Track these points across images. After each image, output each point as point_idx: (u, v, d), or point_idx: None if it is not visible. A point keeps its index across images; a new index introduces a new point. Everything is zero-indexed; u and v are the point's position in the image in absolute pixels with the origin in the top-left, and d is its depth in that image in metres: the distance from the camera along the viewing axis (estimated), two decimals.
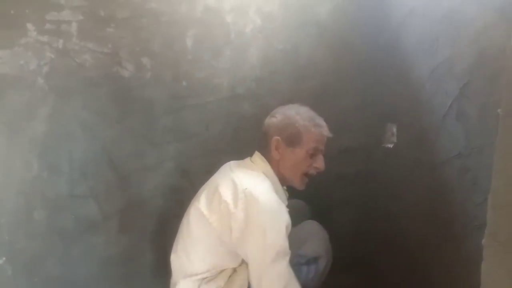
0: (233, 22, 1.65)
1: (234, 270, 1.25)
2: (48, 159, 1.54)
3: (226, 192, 1.20)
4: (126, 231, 1.66)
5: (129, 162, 1.63)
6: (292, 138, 1.31)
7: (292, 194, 1.51)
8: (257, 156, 1.37)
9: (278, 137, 1.32)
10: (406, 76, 1.53)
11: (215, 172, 1.41)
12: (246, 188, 1.18)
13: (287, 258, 1.15)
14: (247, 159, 1.39)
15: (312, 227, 1.33)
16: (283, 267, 1.14)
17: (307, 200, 1.57)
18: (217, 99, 1.68)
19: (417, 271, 1.48)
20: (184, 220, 1.31)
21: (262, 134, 1.38)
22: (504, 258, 0.56)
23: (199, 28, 1.62)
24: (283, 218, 1.18)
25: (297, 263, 1.20)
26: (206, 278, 1.22)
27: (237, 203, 1.17)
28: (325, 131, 1.35)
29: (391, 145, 1.64)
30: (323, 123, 1.36)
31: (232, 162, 1.40)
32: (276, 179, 1.34)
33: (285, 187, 1.49)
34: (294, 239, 1.21)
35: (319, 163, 1.35)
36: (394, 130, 1.61)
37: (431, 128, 1.39)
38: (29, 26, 1.45)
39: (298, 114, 1.33)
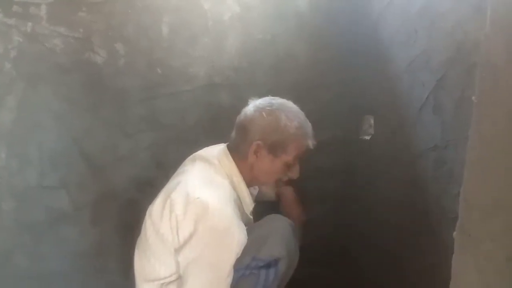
0: (211, 9, 1.60)
1: None
2: (17, 149, 1.49)
3: (177, 201, 1.12)
4: (98, 223, 1.62)
5: (102, 152, 1.59)
6: (276, 146, 1.22)
7: None
8: (223, 155, 1.27)
9: (261, 142, 1.21)
10: (383, 68, 1.53)
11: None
12: (198, 198, 1.10)
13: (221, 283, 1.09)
14: (213, 155, 1.28)
15: (274, 225, 1.21)
16: None
17: None
18: (193, 88, 1.64)
19: (393, 262, 1.49)
20: (144, 222, 1.24)
21: (239, 126, 1.28)
22: (473, 251, 0.56)
23: (175, 14, 1.57)
24: (233, 238, 1.10)
25: (255, 267, 1.12)
26: (168, 282, 1.17)
27: (186, 214, 1.09)
28: (311, 142, 1.26)
29: (368, 137, 1.64)
30: (311, 132, 1.27)
31: (197, 155, 1.31)
32: (241, 182, 1.26)
33: (256, 186, 1.43)
34: (252, 240, 1.14)
35: (295, 172, 1.29)
36: (372, 121, 1.61)
37: (408, 121, 1.39)
38: None
39: (288, 119, 1.22)
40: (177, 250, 1.12)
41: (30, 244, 1.54)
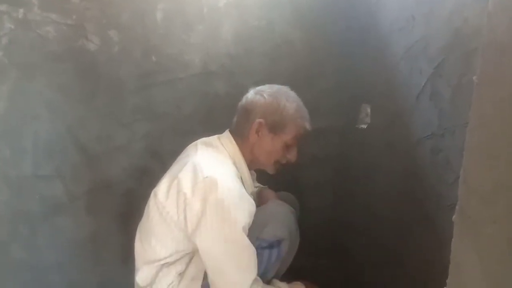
0: None
1: (194, 253, 1.20)
2: (11, 138, 1.47)
3: (185, 180, 1.13)
4: (94, 213, 1.62)
5: (97, 142, 1.58)
6: (276, 125, 1.27)
7: (263, 177, 1.49)
8: (226, 137, 1.31)
9: (262, 120, 1.26)
10: (381, 56, 1.51)
11: None
12: (206, 177, 1.11)
13: (246, 251, 1.12)
14: (216, 139, 1.32)
15: (275, 208, 1.27)
16: (243, 261, 1.11)
17: (279, 183, 1.54)
18: (188, 76, 1.63)
19: (390, 252, 1.49)
20: (147, 205, 1.25)
21: (241, 109, 1.32)
22: (473, 234, 0.55)
23: (170, 1, 1.55)
24: (244, 209, 1.13)
25: (258, 247, 1.15)
26: (167, 262, 1.18)
27: (195, 192, 1.10)
28: (308, 125, 1.32)
29: (365, 126, 1.63)
30: (308, 116, 1.33)
31: (199, 141, 1.33)
32: (243, 163, 1.30)
33: (253, 171, 1.46)
34: (255, 222, 1.17)
35: (293, 155, 1.34)
36: (369, 110, 1.60)
37: (405, 109, 1.38)
38: None
39: (287, 101, 1.29)
40: (191, 233, 1.13)
41: (25, 234, 1.53)
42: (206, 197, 1.09)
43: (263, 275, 1.20)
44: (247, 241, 1.12)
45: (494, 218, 0.49)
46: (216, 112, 1.67)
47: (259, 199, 1.44)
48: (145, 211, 1.26)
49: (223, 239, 1.10)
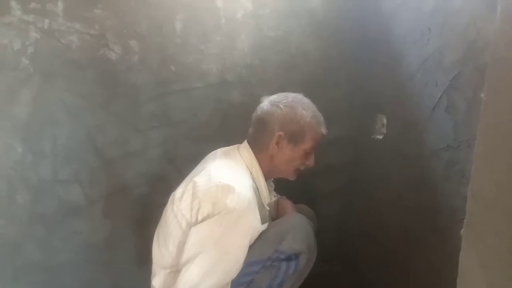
0: (224, 6, 1.61)
1: None
2: (32, 143, 1.52)
3: (200, 184, 1.16)
4: (110, 217, 1.65)
5: (114, 148, 1.61)
6: (296, 135, 1.28)
7: (277, 185, 1.51)
8: (244, 148, 1.33)
9: (282, 133, 1.27)
10: (396, 67, 1.52)
11: (201, 160, 1.38)
12: (219, 182, 1.13)
13: (227, 262, 1.11)
14: (235, 149, 1.34)
15: (295, 221, 1.26)
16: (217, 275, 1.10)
17: (292, 190, 1.55)
18: (205, 85, 1.66)
19: (400, 263, 1.48)
20: (165, 209, 1.27)
21: (257, 120, 1.32)
22: (478, 246, 0.55)
23: (188, 11, 1.59)
24: (246, 221, 1.13)
25: (276, 259, 1.16)
26: None
27: (206, 196, 1.12)
28: (324, 129, 1.33)
29: (380, 136, 1.62)
30: (322, 120, 1.34)
31: (219, 150, 1.36)
32: (260, 175, 1.30)
33: (272, 183, 1.48)
34: (275, 234, 1.18)
35: (311, 160, 1.35)
36: (384, 121, 1.60)
37: (419, 120, 1.37)
38: (13, 4, 1.41)
39: (303, 109, 1.29)
40: (193, 228, 1.13)
41: (43, 236, 1.57)
42: (217, 201, 1.11)
43: (278, 287, 1.20)
44: (235, 255, 1.12)
45: (496, 228, 0.49)
46: (231, 121, 1.69)
47: (277, 209, 1.45)
48: (163, 214, 1.27)
49: (215, 241, 1.11)
